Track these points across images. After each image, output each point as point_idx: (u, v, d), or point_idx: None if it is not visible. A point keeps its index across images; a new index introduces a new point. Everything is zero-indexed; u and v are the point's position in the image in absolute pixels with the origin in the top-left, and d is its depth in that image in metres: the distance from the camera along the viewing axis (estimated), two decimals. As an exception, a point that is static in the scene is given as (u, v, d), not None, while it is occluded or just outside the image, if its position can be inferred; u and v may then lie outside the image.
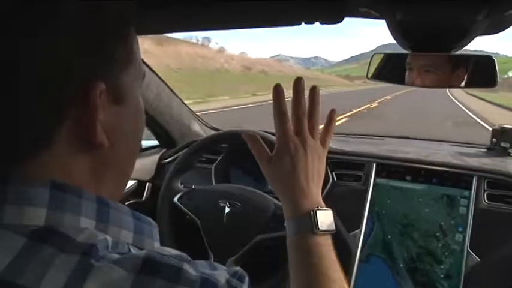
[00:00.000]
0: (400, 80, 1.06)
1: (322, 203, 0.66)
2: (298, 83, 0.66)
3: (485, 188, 1.20)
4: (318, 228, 0.62)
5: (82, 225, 0.39)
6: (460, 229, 1.20)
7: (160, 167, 1.61)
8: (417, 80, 1.02)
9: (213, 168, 1.54)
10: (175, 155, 1.59)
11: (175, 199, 1.26)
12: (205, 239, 1.18)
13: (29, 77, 0.36)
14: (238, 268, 0.43)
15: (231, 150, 1.59)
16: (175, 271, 0.37)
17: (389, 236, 1.27)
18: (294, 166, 0.64)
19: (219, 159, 1.57)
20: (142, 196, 1.54)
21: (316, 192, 0.66)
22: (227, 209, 1.17)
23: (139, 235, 0.44)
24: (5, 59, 0.36)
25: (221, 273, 0.40)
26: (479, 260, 1.15)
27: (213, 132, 1.82)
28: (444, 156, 1.35)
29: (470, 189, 1.21)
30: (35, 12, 0.36)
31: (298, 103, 0.66)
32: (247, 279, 0.43)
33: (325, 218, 0.63)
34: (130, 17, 0.44)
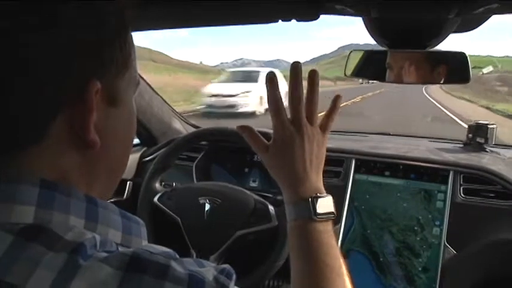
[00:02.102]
0: (380, 77, 1.07)
1: (322, 189, 0.65)
2: (295, 67, 0.64)
3: (461, 182, 1.23)
4: (316, 214, 0.61)
5: (71, 224, 0.39)
6: (437, 223, 1.22)
7: (140, 165, 1.60)
8: (398, 77, 1.04)
9: (194, 166, 1.54)
10: (156, 153, 1.59)
11: (155, 199, 1.25)
12: (187, 237, 1.18)
13: (26, 74, 0.37)
14: (226, 265, 0.44)
15: (212, 148, 1.59)
16: (163, 268, 0.37)
17: (368, 231, 1.29)
18: (291, 153, 0.63)
19: (199, 157, 1.57)
20: (123, 195, 1.53)
21: (315, 179, 0.65)
22: (207, 206, 1.17)
23: (127, 234, 0.44)
24: (4, 57, 0.36)
25: (209, 270, 0.41)
26: (455, 252, 1.18)
27: (193, 129, 1.82)
28: (422, 151, 1.37)
29: (446, 183, 1.23)
30: (36, 13, 0.37)
31: (295, 89, 0.64)
32: (234, 276, 0.43)
33: (325, 204, 0.62)
34: (128, 21, 0.45)
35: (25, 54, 0.36)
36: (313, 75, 0.66)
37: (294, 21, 0.83)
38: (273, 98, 0.65)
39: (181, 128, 1.76)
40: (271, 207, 1.14)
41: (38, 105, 0.38)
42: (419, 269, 1.21)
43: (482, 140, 1.40)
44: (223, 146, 1.57)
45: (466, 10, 0.70)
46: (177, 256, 0.41)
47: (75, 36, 0.38)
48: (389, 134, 1.85)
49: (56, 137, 0.40)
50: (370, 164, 1.33)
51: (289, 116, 0.65)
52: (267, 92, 0.65)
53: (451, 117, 13.03)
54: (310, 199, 0.62)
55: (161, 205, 1.24)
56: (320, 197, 0.63)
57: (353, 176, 1.33)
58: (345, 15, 0.84)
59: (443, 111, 15.27)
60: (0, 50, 0.36)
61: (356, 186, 1.32)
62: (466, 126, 1.50)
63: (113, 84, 0.43)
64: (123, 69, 0.45)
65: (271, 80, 0.65)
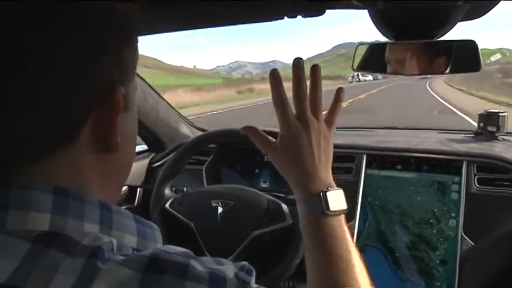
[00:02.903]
0: (383, 69, 1.06)
1: (333, 183, 0.64)
2: (297, 63, 0.64)
3: (475, 172, 1.22)
4: (329, 209, 0.60)
5: (86, 230, 0.39)
6: (453, 215, 1.20)
7: (150, 171, 1.59)
8: (400, 69, 1.03)
9: (203, 169, 1.54)
10: (165, 159, 1.58)
11: (167, 205, 1.24)
12: (201, 241, 1.17)
13: (58, 77, 0.37)
14: (244, 262, 0.43)
15: (221, 150, 1.59)
16: (182, 268, 0.37)
17: (383, 226, 1.27)
18: (299, 150, 0.63)
19: (209, 160, 1.56)
20: (134, 202, 1.53)
21: (324, 174, 0.64)
22: (220, 209, 1.16)
23: (142, 239, 0.44)
24: (37, 59, 0.36)
25: (228, 268, 0.40)
26: (473, 244, 1.16)
27: (200, 133, 1.82)
28: (433, 143, 1.36)
29: (460, 174, 1.22)
30: (61, 21, 0.37)
31: (299, 85, 0.63)
32: (254, 272, 0.43)
33: (336, 198, 0.62)
34: (137, 27, 0.46)
35: (56, 55, 0.37)
36: (315, 70, 0.66)
37: (299, 17, 0.82)
38: (277, 96, 0.64)
39: (189, 133, 1.75)
40: (284, 206, 1.13)
41: (68, 108, 0.38)
42: (437, 262, 1.20)
43: (493, 129, 1.38)
44: (232, 148, 1.56)
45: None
46: (195, 255, 0.41)
47: (101, 42, 0.39)
48: (397, 128, 1.84)
49: (83, 140, 0.41)
50: (382, 158, 1.32)
51: (294, 112, 0.65)
52: (271, 89, 0.65)
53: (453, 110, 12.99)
54: (321, 194, 0.61)
55: (173, 211, 1.23)
56: (331, 191, 0.62)
57: (365, 172, 1.32)
58: (351, 8, 0.83)
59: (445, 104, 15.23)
60: (30, 52, 0.36)
61: (368, 182, 1.31)
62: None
63: (127, 89, 0.44)
64: (132, 74, 0.46)
65: (274, 77, 0.64)
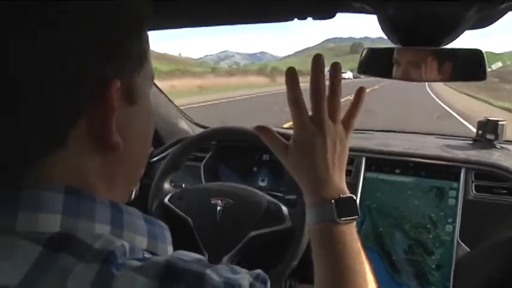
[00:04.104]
0: (387, 74, 1.06)
1: (346, 190, 0.61)
2: (317, 59, 0.60)
3: (473, 179, 1.23)
4: (341, 217, 0.58)
5: (97, 231, 0.38)
6: (450, 220, 1.22)
7: (148, 165, 1.58)
8: (405, 74, 1.03)
9: (202, 166, 1.54)
10: (163, 154, 1.58)
11: (166, 200, 1.24)
12: (199, 238, 1.17)
13: (45, 75, 0.35)
14: (259, 271, 0.43)
15: (219, 148, 1.58)
16: (199, 277, 0.36)
17: (380, 229, 1.28)
18: (313, 154, 0.60)
19: (207, 157, 1.56)
20: (131, 196, 1.52)
21: (338, 179, 0.61)
22: (219, 207, 1.16)
23: (153, 240, 0.43)
24: (21, 57, 0.34)
25: (244, 277, 0.40)
26: (469, 250, 1.17)
27: (199, 129, 1.81)
28: (432, 148, 1.37)
29: (458, 180, 1.23)
30: (50, 9, 0.35)
31: (317, 84, 0.60)
32: (269, 282, 0.42)
33: (348, 205, 0.59)
34: (144, 16, 0.43)
35: (41, 52, 0.34)
36: (335, 69, 0.62)
37: (309, 19, 0.82)
38: (293, 96, 0.61)
39: (188, 128, 1.75)
40: (284, 208, 1.13)
41: (58, 108, 0.36)
42: (433, 266, 1.21)
43: (492, 137, 1.39)
44: (231, 145, 1.56)
45: (488, 6, 0.69)
46: (209, 263, 0.40)
47: (90, 33, 0.37)
48: (395, 131, 1.84)
49: (77, 141, 0.38)
50: (381, 161, 1.33)
51: (310, 112, 0.61)
52: (287, 89, 0.61)
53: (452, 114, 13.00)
54: (333, 201, 0.58)
55: (172, 206, 1.22)
56: (344, 198, 0.59)
57: (364, 174, 1.33)
58: (361, 13, 0.83)
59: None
60: (11, 50, 0.34)
61: (367, 185, 1.32)
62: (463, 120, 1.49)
63: (131, 82, 0.41)
64: (140, 65, 0.43)
65: (291, 76, 0.61)
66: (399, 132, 1.76)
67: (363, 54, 1.04)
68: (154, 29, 0.87)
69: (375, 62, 1.08)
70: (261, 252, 1.16)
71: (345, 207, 0.59)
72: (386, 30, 0.93)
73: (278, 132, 0.66)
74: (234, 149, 1.57)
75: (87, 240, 0.35)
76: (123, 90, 0.40)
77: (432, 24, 0.89)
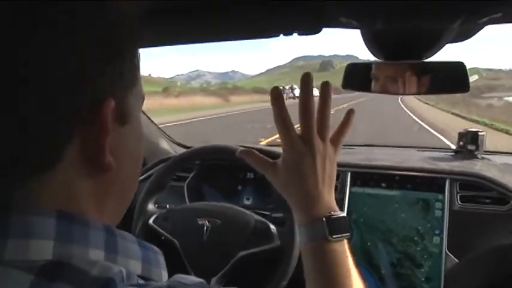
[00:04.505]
0: (367, 88, 1.07)
1: (336, 208, 0.61)
2: (306, 78, 0.60)
3: (458, 190, 1.24)
4: (332, 235, 0.58)
5: (91, 257, 0.35)
6: (437, 232, 1.22)
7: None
8: (386, 88, 1.04)
9: (185, 186, 1.51)
10: (146, 174, 1.55)
11: (151, 221, 1.21)
12: (185, 259, 1.14)
13: (38, 94, 0.33)
14: None
15: (203, 167, 1.56)
16: None
17: (368, 243, 1.28)
18: (302, 173, 0.60)
19: (191, 177, 1.54)
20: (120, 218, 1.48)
21: (327, 197, 0.61)
22: (206, 227, 1.14)
23: (147, 264, 0.40)
24: (13, 75, 0.32)
25: None
26: (457, 260, 1.18)
27: (181, 148, 1.79)
28: (416, 161, 1.38)
29: (443, 192, 1.24)
30: (44, 26, 0.33)
31: (306, 102, 0.60)
32: None
33: (339, 223, 0.59)
34: (137, 34, 0.42)
35: (34, 70, 0.33)
36: (325, 87, 0.62)
37: (295, 35, 0.82)
38: (280, 116, 0.61)
39: (169, 148, 1.72)
40: (272, 227, 1.12)
41: (51, 124, 0.34)
42: (422, 279, 1.21)
43: (473, 147, 1.42)
44: (214, 164, 1.54)
45: (472, 19, 0.70)
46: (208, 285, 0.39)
47: (84, 48, 0.35)
48: (377, 145, 1.86)
49: (68, 161, 0.36)
50: (366, 176, 1.33)
51: (298, 131, 0.62)
52: (272, 107, 0.61)
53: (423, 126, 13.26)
54: (324, 219, 0.59)
55: (157, 227, 1.20)
56: (334, 215, 0.59)
57: (349, 189, 1.32)
58: (347, 28, 0.84)
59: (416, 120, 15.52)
60: (9, 65, 0.32)
61: (353, 199, 1.32)
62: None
63: (123, 101, 0.40)
64: (132, 84, 0.41)
65: (276, 96, 0.61)
66: (381, 146, 1.77)
67: (346, 70, 1.04)
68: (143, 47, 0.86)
69: (355, 77, 1.08)
70: (250, 272, 1.14)
71: (336, 224, 0.59)
72: (370, 45, 0.94)
73: (264, 150, 0.66)
74: (217, 168, 1.55)
75: (82, 267, 0.33)
76: (116, 110, 0.38)
77: (415, 37, 0.91)
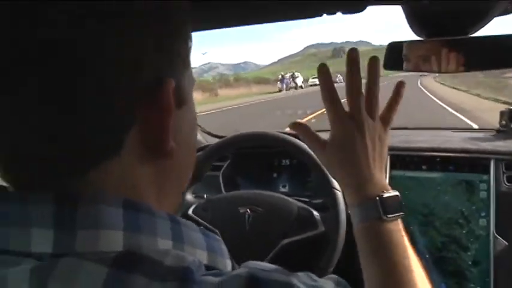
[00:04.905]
0: (412, 67, 1.04)
1: (388, 186, 0.60)
2: (352, 55, 0.59)
3: (504, 170, 1.20)
4: (386, 214, 0.56)
5: (160, 247, 0.34)
6: (483, 214, 1.18)
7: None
8: (426, 65, 1.01)
9: (220, 174, 1.50)
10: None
11: (190, 211, 1.21)
12: (228, 249, 1.13)
13: (96, 78, 0.32)
14: (335, 276, 0.41)
15: (237, 155, 1.55)
16: (286, 287, 0.34)
17: (411, 227, 1.25)
18: (352, 151, 0.58)
19: (225, 165, 1.53)
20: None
21: (379, 176, 0.60)
22: (248, 216, 1.13)
23: (212, 253, 0.39)
24: (71, 60, 0.31)
25: (326, 283, 0.37)
26: (506, 243, 1.14)
27: (212, 138, 1.79)
28: (457, 142, 1.34)
29: (488, 173, 1.20)
30: (101, 11, 0.32)
31: (353, 80, 0.59)
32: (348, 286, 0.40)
33: (393, 202, 0.58)
34: (190, 16, 0.40)
35: (92, 54, 0.32)
36: (374, 64, 0.61)
37: (339, 13, 0.80)
38: (326, 90, 0.59)
39: (201, 138, 1.72)
40: (315, 213, 1.10)
41: (110, 110, 0.33)
42: (469, 262, 1.18)
43: (516, 126, 1.37)
44: (247, 152, 1.52)
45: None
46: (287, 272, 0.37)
47: (142, 33, 0.34)
48: (410, 128, 1.81)
49: (129, 147, 0.35)
50: (406, 158, 1.30)
51: (347, 109, 0.60)
52: (320, 85, 0.61)
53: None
54: (377, 198, 0.57)
55: (197, 217, 1.19)
56: (387, 194, 0.58)
57: (389, 173, 1.29)
58: (392, 4, 0.81)
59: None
60: (67, 50, 0.31)
61: (393, 183, 1.28)
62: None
63: (180, 82, 0.38)
64: (187, 66, 0.40)
65: (323, 70, 0.60)
66: (418, 128, 1.73)
67: (386, 51, 1.01)
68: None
69: (398, 57, 1.05)
70: (294, 261, 1.12)
71: (390, 203, 0.57)
72: (412, 22, 0.91)
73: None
74: (251, 156, 1.54)
75: (156, 257, 0.32)
76: (175, 91, 0.37)
77: (460, 13, 0.87)
